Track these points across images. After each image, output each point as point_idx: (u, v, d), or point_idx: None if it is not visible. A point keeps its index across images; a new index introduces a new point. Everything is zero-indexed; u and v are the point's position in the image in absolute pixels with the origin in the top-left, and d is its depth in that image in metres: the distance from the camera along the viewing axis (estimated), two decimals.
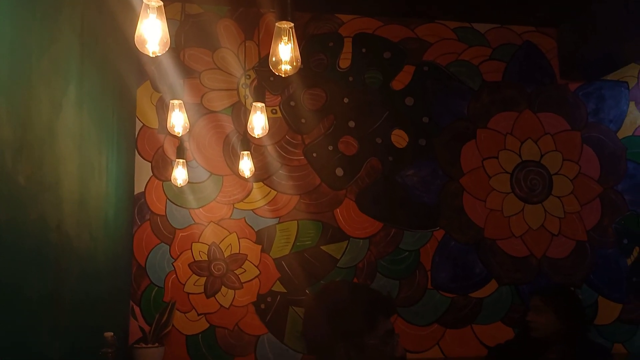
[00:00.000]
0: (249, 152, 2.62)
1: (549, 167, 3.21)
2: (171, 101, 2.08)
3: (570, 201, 3.19)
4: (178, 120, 2.06)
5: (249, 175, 2.64)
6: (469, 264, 3.08)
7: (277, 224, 2.97)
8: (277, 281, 2.91)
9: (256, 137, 2.15)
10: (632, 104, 3.32)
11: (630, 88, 3.34)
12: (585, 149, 3.24)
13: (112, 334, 1.56)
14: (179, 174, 2.58)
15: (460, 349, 2.97)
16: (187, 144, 2.92)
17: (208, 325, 2.83)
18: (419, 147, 3.14)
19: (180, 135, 2.12)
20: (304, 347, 1.32)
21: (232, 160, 2.97)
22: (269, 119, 2.92)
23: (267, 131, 2.14)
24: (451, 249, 3.08)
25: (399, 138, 3.14)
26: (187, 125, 2.09)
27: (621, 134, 3.29)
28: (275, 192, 3.00)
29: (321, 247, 2.99)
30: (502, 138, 3.21)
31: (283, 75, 1.37)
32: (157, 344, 2.63)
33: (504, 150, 3.21)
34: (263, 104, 2.09)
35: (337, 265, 2.98)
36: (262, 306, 2.89)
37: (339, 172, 3.07)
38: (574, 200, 3.19)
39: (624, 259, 3.18)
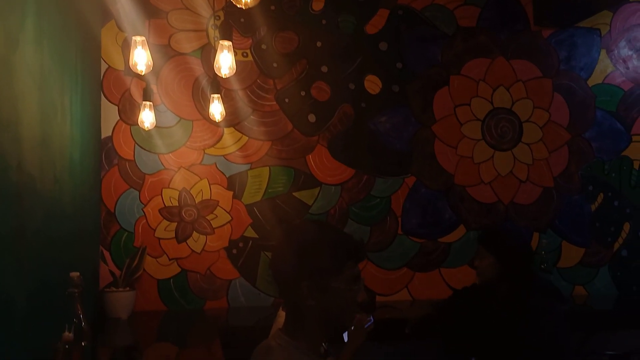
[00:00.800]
0: (219, 95, 2.56)
1: (519, 114, 3.23)
2: (133, 38, 1.99)
3: (539, 148, 3.23)
4: (141, 58, 1.98)
5: (220, 119, 2.59)
6: (438, 210, 3.13)
7: (248, 170, 2.95)
8: (249, 227, 2.92)
9: (223, 77, 2.09)
10: (603, 52, 3.34)
11: (602, 36, 3.34)
12: (555, 96, 3.27)
13: (78, 274, 1.55)
14: (146, 117, 2.52)
15: (428, 292, 3.05)
16: (154, 87, 2.85)
17: (180, 269, 2.84)
18: (392, 93, 3.12)
19: (143, 73, 2.05)
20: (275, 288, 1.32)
21: (202, 105, 2.90)
22: (239, 62, 2.87)
23: (234, 71, 2.07)
24: (422, 195, 3.12)
25: (372, 84, 3.11)
26: (151, 63, 2.02)
27: (591, 82, 3.31)
28: (247, 138, 2.96)
29: (293, 193, 2.98)
30: (474, 85, 3.21)
31: (243, 7, 1.31)
32: (127, 288, 2.63)
33: (476, 97, 3.21)
34: (230, 42, 2.02)
35: (309, 211, 2.99)
36: (234, 251, 2.90)
37: (312, 118, 3.04)
38: (543, 148, 3.24)
39: (588, 205, 3.26)
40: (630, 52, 3.37)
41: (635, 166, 3.32)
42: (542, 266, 3.06)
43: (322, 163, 3.03)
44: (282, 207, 2.95)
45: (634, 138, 3.33)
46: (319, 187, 3.01)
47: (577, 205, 3.25)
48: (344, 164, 3.05)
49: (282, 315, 2.50)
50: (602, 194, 3.28)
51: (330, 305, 1.23)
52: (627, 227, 3.29)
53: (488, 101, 3.22)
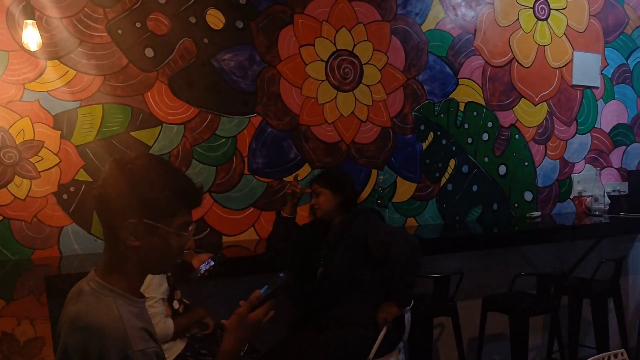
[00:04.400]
0: (33, 21, 2.26)
1: (360, 56, 3.33)
2: None
3: (377, 90, 3.38)
4: None
5: (36, 49, 2.30)
6: (284, 150, 3.16)
7: (78, 107, 2.69)
8: (82, 169, 2.69)
9: None
10: None
11: None
12: (393, 40, 3.41)
13: None
14: None
15: None
16: None
17: (1, 218, 2.55)
18: (236, 30, 3.02)
19: None
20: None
21: (19, 33, 2.55)
22: None
23: None
24: (268, 135, 3.11)
25: (215, 19, 2.97)
26: None
27: (425, 27, 3.51)
28: (75, 72, 2.69)
29: (131, 133, 2.80)
30: (318, 25, 3.22)
31: None
32: None
33: (320, 37, 3.23)
34: None
35: (150, 152, 2.84)
36: (65, 196, 2.66)
37: (149, 52, 2.84)
38: (381, 89, 3.39)
39: (420, 143, 3.52)
40: (459, 0, 3.61)
41: (461, 108, 3.63)
42: (379, 201, 3.26)
43: (162, 101, 2.86)
44: (119, 148, 2.76)
45: (461, 82, 3.63)
46: (159, 127, 2.86)
47: (410, 143, 3.49)
48: (187, 102, 2.92)
49: None
50: (432, 133, 3.55)
51: (154, 249, 1.17)
52: (452, 163, 3.62)
53: (331, 42, 3.26)
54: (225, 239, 3.01)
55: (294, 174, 2.88)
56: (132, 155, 1.20)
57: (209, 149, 2.97)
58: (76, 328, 1.13)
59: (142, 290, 1.26)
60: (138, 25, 2.80)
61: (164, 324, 2.08)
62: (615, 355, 1.97)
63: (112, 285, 1.16)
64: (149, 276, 2.01)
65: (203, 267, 2.28)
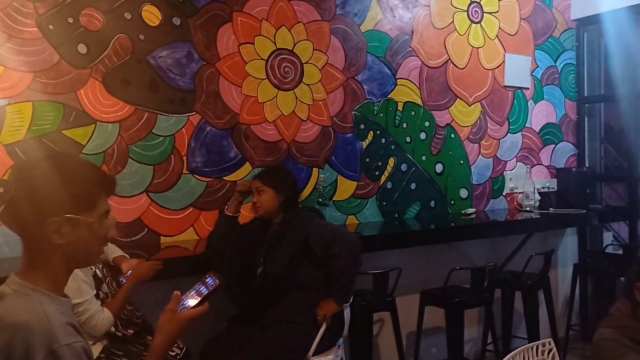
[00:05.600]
0: None
1: (300, 55, 3.35)
2: None
3: (318, 89, 3.41)
4: None
5: None
6: (224, 149, 3.14)
7: (6, 105, 2.58)
8: (10, 169, 2.58)
9: None
10: (374, 0, 3.60)
11: None
12: (332, 39, 3.45)
13: None
14: None
15: None
16: None
17: None
18: (173, 26, 2.98)
19: None
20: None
21: None
22: None
23: None
24: (207, 133, 3.09)
25: (151, 15, 2.92)
26: None
27: (364, 28, 3.57)
28: (2, 68, 2.57)
29: (63, 131, 2.71)
30: (258, 24, 3.22)
31: None
32: None
33: (260, 36, 3.23)
34: None
35: (83, 151, 2.76)
36: None
37: (82, 48, 2.75)
38: (322, 88, 3.42)
39: (360, 142, 3.58)
40: (396, 2, 3.69)
41: (399, 107, 3.72)
42: (320, 200, 3.30)
43: (96, 99, 2.79)
44: (50, 147, 2.67)
45: (399, 82, 3.71)
46: (93, 125, 2.78)
47: (350, 142, 3.54)
48: (122, 100, 2.85)
49: None
50: (372, 132, 3.62)
51: (79, 242, 1.17)
52: (392, 161, 3.70)
53: (271, 41, 3.27)
54: (163, 239, 2.96)
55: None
56: (36, 157, 1.22)
57: (146, 147, 2.92)
58: (0, 328, 1.10)
59: (70, 296, 1.25)
60: (70, 20, 2.72)
61: (104, 318, 2.09)
62: (543, 345, 2.08)
63: (35, 285, 1.14)
64: (74, 283, 1.98)
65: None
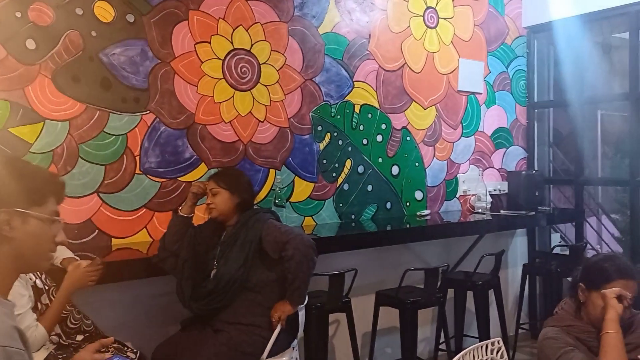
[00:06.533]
0: None
1: (258, 56, 3.33)
2: None
3: (275, 90, 3.40)
4: None
5: None
6: (179, 149, 3.09)
7: None
8: None
9: None
10: (332, 2, 3.62)
11: None
12: (290, 41, 3.45)
13: None
14: None
15: None
16: None
17: None
18: (127, 23, 2.91)
19: None
20: None
21: None
22: None
23: None
24: (161, 133, 3.03)
25: (104, 11, 2.85)
26: None
27: (322, 30, 3.58)
28: None
29: (9, 129, 2.61)
30: (215, 23, 3.19)
31: None
32: None
33: (216, 35, 3.20)
34: None
35: (31, 150, 2.67)
36: None
37: (31, 44, 2.66)
38: (279, 89, 3.41)
39: (317, 144, 3.59)
40: (354, 5, 3.72)
41: (357, 110, 3.75)
42: (277, 201, 3.29)
43: (45, 96, 2.70)
44: None
45: (356, 84, 3.74)
46: (42, 123, 2.69)
47: (307, 144, 3.54)
48: (72, 98, 2.77)
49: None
50: (329, 134, 3.63)
51: (29, 239, 1.16)
52: (348, 163, 3.72)
53: (228, 40, 3.24)
54: (115, 241, 2.89)
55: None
56: None
57: (97, 147, 2.84)
58: None
59: None
60: (18, 15, 2.62)
61: (37, 335, 1.98)
62: (492, 344, 2.14)
63: None
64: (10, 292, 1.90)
65: None
